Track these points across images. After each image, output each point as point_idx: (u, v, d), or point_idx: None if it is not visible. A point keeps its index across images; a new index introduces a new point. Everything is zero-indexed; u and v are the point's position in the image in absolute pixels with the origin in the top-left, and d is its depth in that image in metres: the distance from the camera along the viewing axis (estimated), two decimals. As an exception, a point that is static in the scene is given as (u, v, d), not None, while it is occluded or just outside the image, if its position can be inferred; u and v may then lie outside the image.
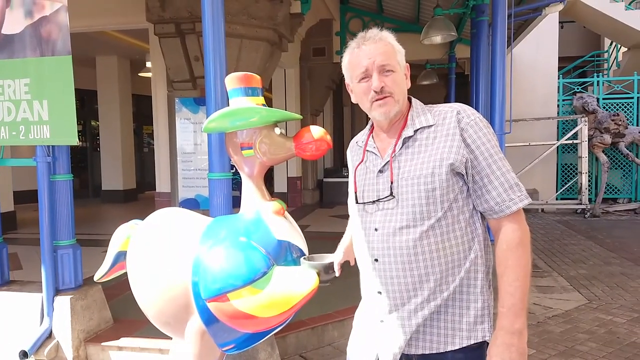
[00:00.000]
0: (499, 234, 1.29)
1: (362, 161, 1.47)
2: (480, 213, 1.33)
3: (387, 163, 1.36)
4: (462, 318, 1.30)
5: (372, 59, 1.32)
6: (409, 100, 1.43)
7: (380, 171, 1.38)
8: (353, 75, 1.38)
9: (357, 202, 1.43)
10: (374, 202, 1.37)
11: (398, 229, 1.30)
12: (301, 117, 2.18)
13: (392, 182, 1.33)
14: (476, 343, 1.29)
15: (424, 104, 1.44)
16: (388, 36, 1.36)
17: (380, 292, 1.36)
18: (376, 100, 1.34)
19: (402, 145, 1.35)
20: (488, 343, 1.29)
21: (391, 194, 1.32)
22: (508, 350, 1.21)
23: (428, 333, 1.32)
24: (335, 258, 1.72)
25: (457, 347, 1.29)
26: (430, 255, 1.28)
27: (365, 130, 1.53)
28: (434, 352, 1.31)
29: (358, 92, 1.39)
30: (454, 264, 1.30)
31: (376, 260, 1.35)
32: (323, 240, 2.33)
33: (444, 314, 1.30)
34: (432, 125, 1.33)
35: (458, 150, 1.26)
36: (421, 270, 1.29)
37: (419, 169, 1.29)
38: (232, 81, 2.00)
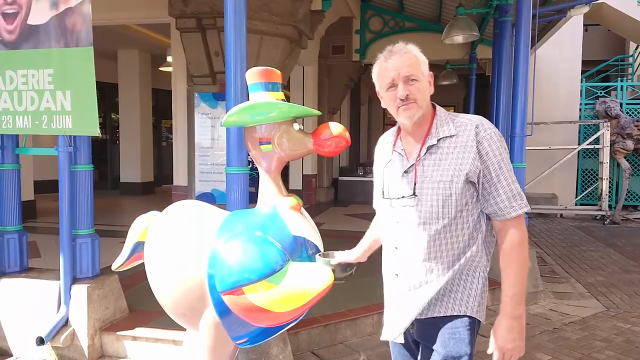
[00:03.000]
0: (502, 234, 1.50)
1: (390, 160, 1.63)
2: (486, 214, 1.53)
3: (412, 165, 1.54)
4: (454, 294, 1.52)
5: (398, 71, 1.49)
6: (434, 107, 1.59)
7: (406, 172, 1.55)
8: (382, 84, 1.55)
9: (383, 197, 1.61)
10: (398, 198, 1.56)
11: (416, 224, 1.51)
12: (320, 113, 2.17)
13: (415, 183, 1.52)
14: (459, 315, 1.51)
15: (444, 105, 1.60)
16: (413, 49, 1.53)
17: (397, 275, 1.59)
18: (401, 105, 1.51)
19: (427, 151, 1.53)
20: (474, 320, 1.52)
21: (414, 193, 1.51)
22: (510, 332, 1.45)
23: (431, 304, 1.54)
24: (352, 253, 1.81)
25: (442, 315, 1.53)
26: (439, 248, 1.50)
27: (393, 131, 1.69)
28: (427, 317, 1.54)
29: (386, 99, 1.56)
30: (459, 256, 1.51)
31: (396, 248, 1.58)
32: (337, 238, 2.32)
33: (445, 290, 1.52)
34: (453, 136, 1.51)
35: (473, 161, 1.46)
36: (432, 261, 1.51)
37: (439, 175, 1.48)
38: (252, 76, 2.00)
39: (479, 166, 1.45)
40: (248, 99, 2.01)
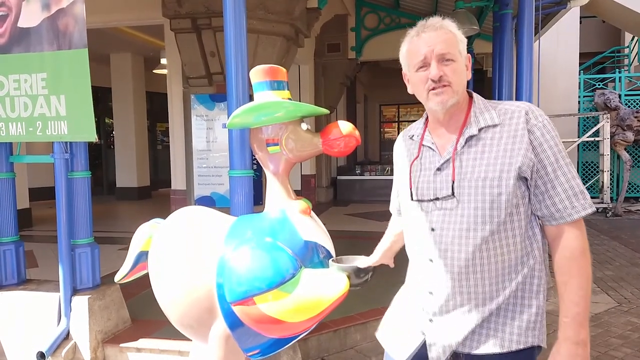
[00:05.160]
0: (560, 241, 1.24)
1: (417, 157, 1.38)
2: (539, 218, 1.29)
3: (447, 161, 1.30)
4: (513, 322, 1.26)
5: (432, 47, 1.25)
6: (470, 94, 1.36)
7: (439, 169, 1.31)
8: (411, 63, 1.31)
9: (412, 199, 1.36)
10: (431, 200, 1.31)
11: (458, 232, 1.26)
12: (328, 111, 2.08)
13: (453, 182, 1.27)
14: (526, 348, 1.26)
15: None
16: (450, 24, 1.29)
17: (431, 293, 1.33)
18: (432, 89, 1.27)
19: (465, 143, 1.29)
20: (538, 347, 1.28)
21: (452, 193, 1.27)
22: None
23: (477, 333, 1.28)
24: (371, 259, 1.67)
25: (505, 351, 1.25)
26: (488, 260, 1.25)
27: (419, 124, 1.44)
28: (481, 352, 1.27)
29: (415, 81, 1.32)
30: (511, 269, 1.26)
31: (431, 260, 1.32)
32: (338, 239, 2.22)
33: (496, 316, 1.27)
34: (497, 125, 1.27)
35: (526, 153, 1.22)
36: (477, 275, 1.26)
37: (484, 171, 1.24)
38: (257, 74, 1.91)
39: (533, 159, 1.21)
40: (250, 99, 1.93)
